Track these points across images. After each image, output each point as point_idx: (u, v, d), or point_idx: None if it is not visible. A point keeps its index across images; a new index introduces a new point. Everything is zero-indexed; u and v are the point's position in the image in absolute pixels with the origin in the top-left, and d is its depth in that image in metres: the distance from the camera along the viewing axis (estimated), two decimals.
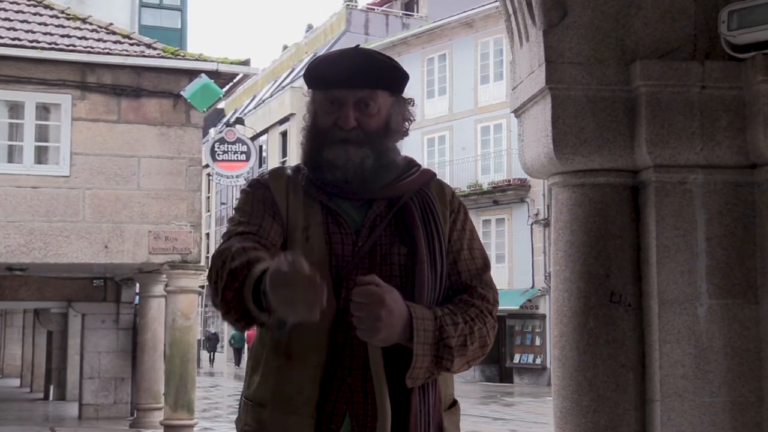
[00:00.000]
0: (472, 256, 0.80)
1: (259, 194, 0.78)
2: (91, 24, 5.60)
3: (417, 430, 0.71)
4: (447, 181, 0.81)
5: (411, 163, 0.81)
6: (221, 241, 0.78)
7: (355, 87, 0.76)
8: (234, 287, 0.69)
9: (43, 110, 5.25)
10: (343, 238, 0.76)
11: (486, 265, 0.80)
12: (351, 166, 0.75)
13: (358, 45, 0.81)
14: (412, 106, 0.80)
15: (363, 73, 0.76)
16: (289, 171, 0.81)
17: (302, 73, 0.81)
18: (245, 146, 7.51)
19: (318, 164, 0.76)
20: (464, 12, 11.97)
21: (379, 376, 0.70)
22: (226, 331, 16.71)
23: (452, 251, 0.79)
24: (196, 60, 5.39)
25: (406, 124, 0.80)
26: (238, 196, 0.82)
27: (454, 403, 0.79)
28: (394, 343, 0.71)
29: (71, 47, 5.17)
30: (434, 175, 0.82)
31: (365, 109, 0.76)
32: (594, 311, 1.25)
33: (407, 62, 12.72)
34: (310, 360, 0.73)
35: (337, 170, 0.75)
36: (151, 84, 5.27)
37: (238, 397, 0.80)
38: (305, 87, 0.79)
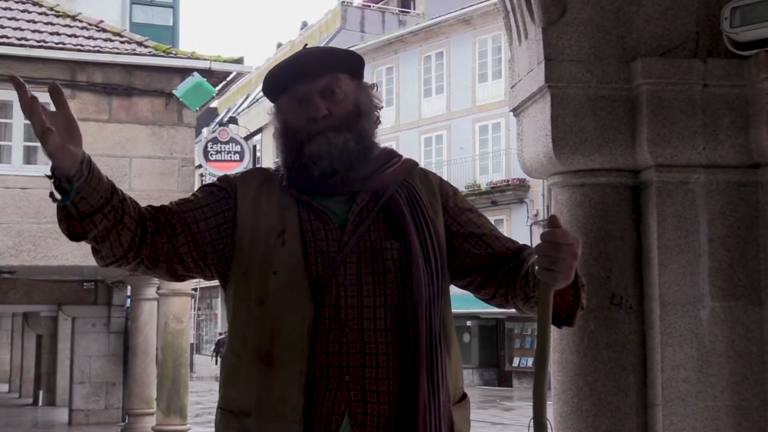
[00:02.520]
0: (491, 228, 0.79)
1: (216, 192, 0.76)
2: (81, 21, 5.52)
3: (427, 426, 0.69)
4: None
5: (392, 154, 0.79)
6: None
7: (314, 76, 0.74)
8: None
9: None
10: (328, 234, 0.74)
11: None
12: (335, 151, 0.73)
13: (306, 45, 0.80)
14: (376, 90, 0.78)
15: (318, 62, 0.74)
16: (266, 172, 0.78)
17: (262, 88, 0.79)
18: (239, 146, 7.44)
19: (302, 163, 0.74)
20: (462, 9, 11.89)
21: (547, 319, 0.66)
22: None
23: (472, 231, 0.76)
24: (189, 58, 5.34)
25: (376, 112, 0.78)
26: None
27: (464, 397, 0.77)
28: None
29: (60, 45, 5.10)
30: (416, 164, 0.80)
31: (331, 96, 0.75)
32: (594, 314, 1.23)
33: (404, 60, 12.69)
34: (293, 367, 0.71)
35: (322, 160, 0.73)
36: (142, 83, 5.21)
37: None
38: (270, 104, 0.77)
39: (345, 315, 0.71)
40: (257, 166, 14.23)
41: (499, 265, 0.76)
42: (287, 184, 0.76)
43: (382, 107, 0.79)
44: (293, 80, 0.75)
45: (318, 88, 0.74)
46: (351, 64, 0.76)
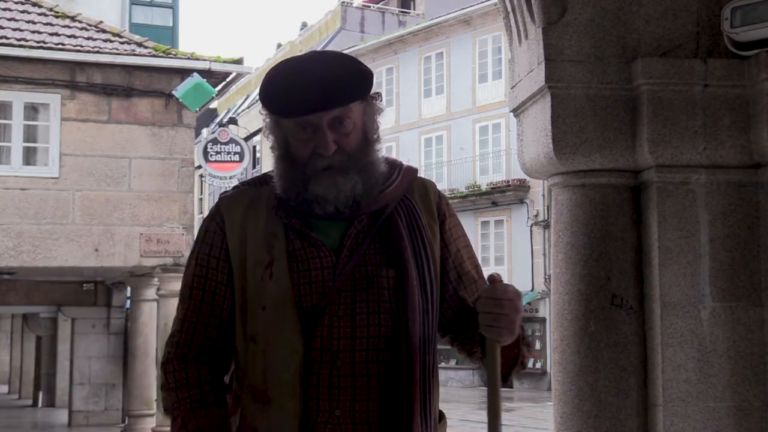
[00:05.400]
0: (475, 265, 0.78)
1: (213, 236, 0.74)
2: (80, 22, 5.52)
3: None
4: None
5: (392, 166, 0.76)
6: (179, 306, 0.74)
7: (326, 109, 0.70)
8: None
9: (32, 110, 5.17)
10: (322, 261, 0.72)
11: (482, 273, 0.79)
12: (342, 197, 0.71)
13: (311, 53, 0.73)
14: (380, 101, 0.75)
15: (332, 93, 0.70)
16: (251, 192, 0.75)
17: (259, 96, 0.73)
18: (238, 147, 7.44)
19: (305, 199, 0.72)
20: (462, 9, 11.88)
21: (496, 375, 0.67)
22: None
23: (455, 265, 0.76)
24: (188, 59, 5.34)
25: (378, 119, 0.75)
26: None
27: (441, 416, 0.77)
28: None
29: (60, 46, 5.10)
30: (416, 173, 0.77)
31: (340, 127, 0.72)
32: (595, 314, 1.23)
33: (404, 61, 12.57)
34: (286, 407, 0.70)
35: (328, 204, 0.71)
36: (142, 83, 5.20)
37: None
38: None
39: (337, 347, 0.69)
40: (258, 167, 14.31)
41: (461, 313, 0.75)
42: (276, 205, 0.73)
43: (384, 110, 0.75)
44: (303, 111, 0.70)
45: (328, 119, 0.70)
46: (363, 87, 0.72)
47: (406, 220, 0.74)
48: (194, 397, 0.72)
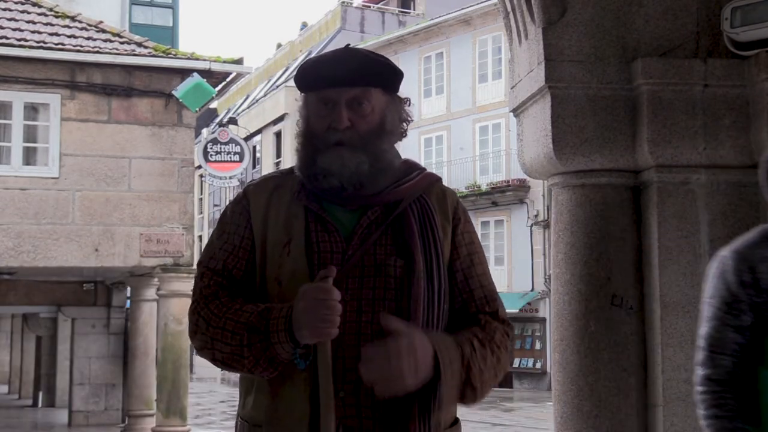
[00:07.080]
0: (484, 272, 0.78)
1: (237, 216, 0.77)
2: (80, 22, 5.53)
3: None
4: (444, 182, 0.77)
5: (412, 167, 0.78)
6: (199, 266, 0.76)
7: (346, 85, 0.74)
8: (254, 339, 0.69)
9: (32, 110, 5.17)
10: (333, 245, 0.74)
11: (493, 282, 0.78)
12: (346, 172, 0.73)
13: (349, 44, 0.78)
14: (409, 105, 0.78)
15: (355, 71, 0.74)
16: (277, 179, 0.78)
17: (293, 76, 0.78)
18: (238, 147, 7.44)
19: (313, 173, 0.74)
20: (462, 9, 11.90)
21: (327, 379, 0.67)
22: None
23: (462, 268, 0.76)
24: (188, 59, 5.34)
25: (404, 125, 0.78)
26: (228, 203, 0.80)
27: (456, 422, 0.77)
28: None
29: (60, 46, 5.09)
30: (438, 180, 0.78)
31: (358, 108, 0.74)
32: (595, 314, 1.23)
33: (404, 61, 12.49)
34: (298, 378, 0.71)
35: (332, 177, 0.73)
36: (142, 83, 5.20)
37: (231, 403, 0.78)
38: (298, 92, 0.77)
39: (343, 330, 0.70)
40: (258, 167, 14.33)
41: (464, 315, 0.75)
42: (298, 189, 0.76)
43: (412, 120, 0.77)
44: (325, 83, 0.74)
45: (346, 97, 0.74)
46: (387, 77, 0.75)
47: (419, 217, 0.75)
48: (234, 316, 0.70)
